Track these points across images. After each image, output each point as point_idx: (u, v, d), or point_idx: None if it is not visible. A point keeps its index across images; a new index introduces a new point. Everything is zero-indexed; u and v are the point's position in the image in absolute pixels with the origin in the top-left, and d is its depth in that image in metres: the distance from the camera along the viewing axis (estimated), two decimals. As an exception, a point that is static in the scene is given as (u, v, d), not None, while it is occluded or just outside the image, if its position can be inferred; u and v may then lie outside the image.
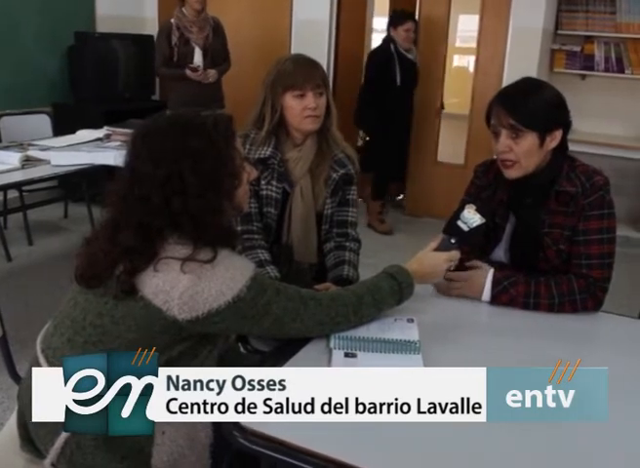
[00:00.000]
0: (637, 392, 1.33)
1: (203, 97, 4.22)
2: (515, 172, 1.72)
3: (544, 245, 1.77)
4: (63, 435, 1.26)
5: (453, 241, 1.64)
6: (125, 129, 3.62)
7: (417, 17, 5.09)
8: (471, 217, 1.64)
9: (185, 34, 4.34)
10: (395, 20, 4.80)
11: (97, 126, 3.88)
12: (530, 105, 1.67)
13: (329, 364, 1.36)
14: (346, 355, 1.39)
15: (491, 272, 1.73)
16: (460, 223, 1.64)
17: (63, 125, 4.13)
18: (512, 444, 1.14)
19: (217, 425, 1.28)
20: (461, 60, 6.27)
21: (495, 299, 1.71)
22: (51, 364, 1.31)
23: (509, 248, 1.85)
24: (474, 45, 5.07)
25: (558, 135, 1.71)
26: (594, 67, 4.79)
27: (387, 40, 4.81)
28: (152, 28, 5.37)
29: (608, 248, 1.73)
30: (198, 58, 4.37)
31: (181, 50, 4.36)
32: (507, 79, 4.63)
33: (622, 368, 1.38)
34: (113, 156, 3.19)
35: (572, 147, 1.82)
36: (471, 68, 5.22)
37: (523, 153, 1.69)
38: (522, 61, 4.56)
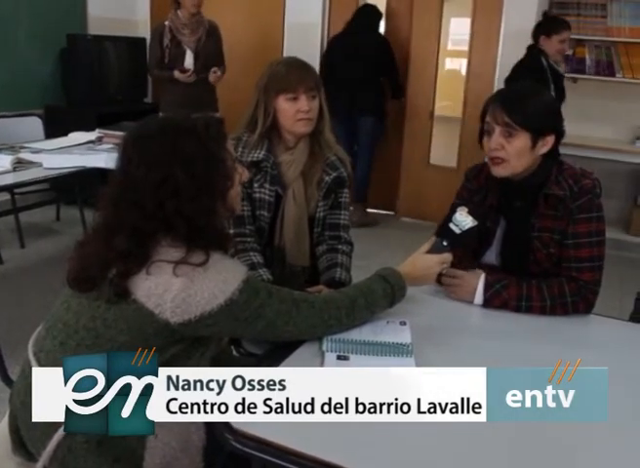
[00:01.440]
0: (634, 393, 1.34)
1: (195, 99, 4.21)
2: (503, 170, 1.73)
3: (534, 248, 1.78)
4: (55, 438, 1.26)
5: (445, 243, 1.64)
6: (117, 131, 3.61)
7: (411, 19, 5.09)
8: (463, 220, 1.65)
9: (177, 36, 4.33)
10: (549, 28, 4.00)
11: (89, 128, 3.87)
12: (527, 106, 1.69)
13: (321, 366, 1.36)
14: (339, 358, 1.39)
15: (483, 275, 1.74)
16: (452, 226, 1.65)
17: (56, 127, 4.11)
18: (512, 444, 1.15)
19: (209, 427, 1.28)
20: (453, 63, 6.28)
21: (487, 303, 1.72)
22: (43, 367, 1.31)
23: (500, 251, 1.86)
24: (466, 48, 5.09)
25: (550, 140, 1.73)
26: (585, 71, 4.81)
27: (537, 53, 4.01)
28: (144, 31, 5.37)
29: (597, 250, 1.74)
30: (189, 60, 4.36)
31: (173, 52, 4.35)
32: (499, 82, 4.64)
33: (616, 370, 1.38)
34: (104, 159, 3.18)
35: (563, 150, 1.83)
36: (463, 71, 5.23)
37: (514, 153, 1.70)
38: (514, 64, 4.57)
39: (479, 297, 1.73)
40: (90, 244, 1.33)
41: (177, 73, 4.25)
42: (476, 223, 1.65)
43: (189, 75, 4.27)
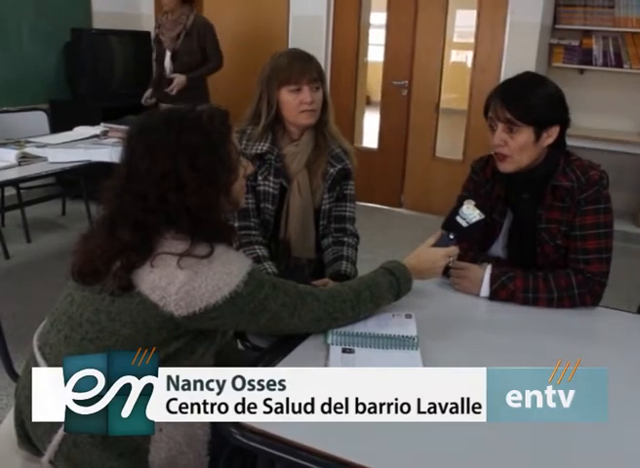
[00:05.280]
0: (638, 389, 1.32)
1: (184, 96, 4.21)
2: (509, 165, 1.72)
3: (542, 240, 1.77)
4: (60, 432, 1.26)
5: (452, 237, 1.63)
6: (122, 125, 3.61)
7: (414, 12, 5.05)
8: (470, 213, 1.64)
9: (159, 36, 4.40)
10: None
11: (94, 122, 3.87)
12: (527, 101, 1.66)
13: (326, 360, 1.35)
14: (344, 351, 1.38)
15: (489, 267, 1.73)
16: (458, 219, 1.64)
17: (61, 122, 4.12)
18: (512, 444, 1.14)
19: (215, 422, 1.27)
20: (459, 56, 6.25)
21: (493, 295, 1.71)
22: (48, 361, 1.31)
23: (507, 244, 1.85)
24: (472, 40, 5.06)
25: (555, 131, 1.71)
26: (593, 62, 4.78)
27: None
28: (148, 25, 5.36)
29: (605, 242, 1.72)
30: (167, 60, 4.38)
31: (158, 49, 4.43)
32: (505, 74, 4.61)
33: (622, 364, 1.38)
34: (109, 153, 3.18)
35: (570, 142, 1.81)
36: (469, 64, 5.20)
37: (517, 148, 1.68)
38: (520, 56, 4.54)
39: (485, 290, 1.72)
40: (94, 237, 1.32)
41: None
42: (483, 216, 1.64)
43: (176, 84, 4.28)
